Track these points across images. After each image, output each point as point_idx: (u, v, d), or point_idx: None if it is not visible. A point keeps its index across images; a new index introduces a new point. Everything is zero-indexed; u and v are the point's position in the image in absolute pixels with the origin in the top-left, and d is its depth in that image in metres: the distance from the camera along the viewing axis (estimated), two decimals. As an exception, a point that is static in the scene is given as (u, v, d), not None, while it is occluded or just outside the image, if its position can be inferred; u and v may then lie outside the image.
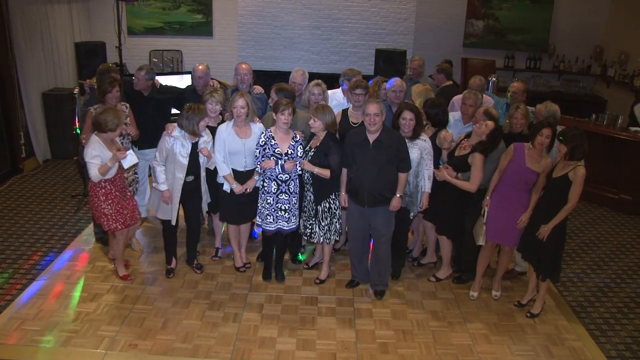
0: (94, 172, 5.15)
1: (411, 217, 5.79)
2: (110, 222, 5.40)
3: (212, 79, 6.59)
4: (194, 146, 5.40)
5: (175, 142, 5.34)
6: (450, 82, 7.49)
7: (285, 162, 5.32)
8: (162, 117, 6.23)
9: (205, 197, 5.72)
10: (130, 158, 5.32)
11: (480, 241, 5.47)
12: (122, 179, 5.53)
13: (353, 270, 5.84)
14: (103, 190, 5.34)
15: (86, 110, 5.85)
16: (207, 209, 5.87)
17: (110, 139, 5.28)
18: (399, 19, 11.18)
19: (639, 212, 8.13)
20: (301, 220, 5.67)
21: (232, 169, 5.53)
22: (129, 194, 5.61)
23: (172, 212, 5.54)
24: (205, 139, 5.46)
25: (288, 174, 5.38)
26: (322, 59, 11.28)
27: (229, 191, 5.59)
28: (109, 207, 5.37)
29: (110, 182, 5.36)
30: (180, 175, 5.40)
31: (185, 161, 5.37)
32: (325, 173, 5.33)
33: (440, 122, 5.73)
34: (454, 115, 6.12)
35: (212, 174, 5.67)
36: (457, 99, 6.52)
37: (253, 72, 6.37)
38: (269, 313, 5.33)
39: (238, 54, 11.13)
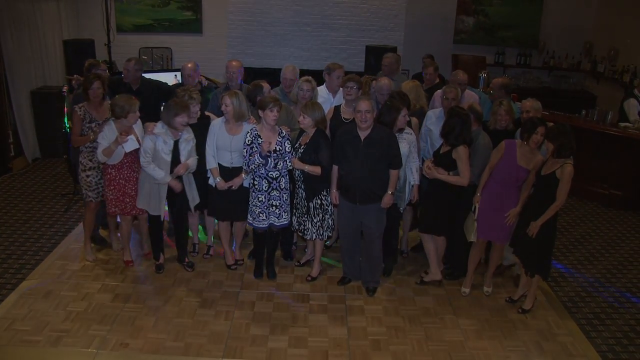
0: (98, 152, 5.43)
1: (401, 211, 5.80)
2: (110, 206, 5.70)
3: (201, 75, 6.56)
4: (176, 144, 5.41)
5: (158, 140, 5.36)
6: (438, 81, 7.48)
7: (261, 149, 5.29)
8: (151, 112, 6.19)
9: (191, 197, 5.69)
10: (132, 143, 5.46)
11: (472, 238, 5.48)
12: (132, 169, 5.60)
13: (344, 267, 5.84)
14: (108, 176, 5.61)
15: (72, 110, 5.81)
16: (193, 209, 5.82)
17: (126, 125, 5.43)
18: (389, 15, 11.18)
19: (629, 207, 8.17)
20: (294, 218, 5.66)
21: (220, 164, 5.54)
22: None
23: (160, 207, 5.57)
24: (185, 137, 5.46)
25: (267, 156, 5.30)
26: (312, 55, 11.26)
27: (213, 185, 5.59)
28: (111, 192, 5.64)
29: (116, 169, 5.56)
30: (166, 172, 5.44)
31: (168, 158, 5.39)
32: (316, 170, 5.32)
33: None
34: (435, 112, 6.09)
35: (203, 172, 5.65)
36: (437, 94, 6.50)
37: (244, 69, 6.36)
38: (261, 311, 5.32)
39: (228, 51, 11.10)
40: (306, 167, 5.35)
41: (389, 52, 7.64)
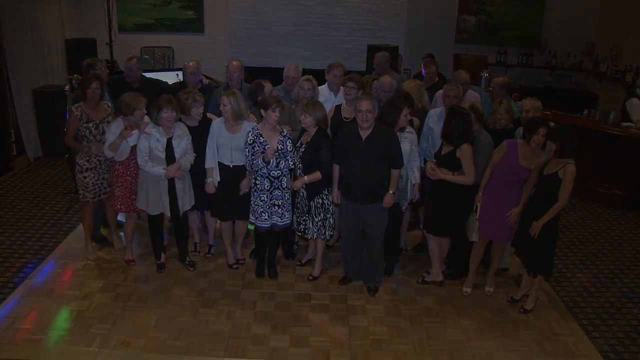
0: (105, 148, 5.49)
1: (403, 210, 5.80)
2: (116, 203, 5.73)
3: (202, 75, 6.57)
4: (169, 141, 5.41)
5: (151, 138, 5.36)
6: (438, 79, 7.47)
7: (264, 152, 5.30)
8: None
9: (182, 195, 5.64)
10: (135, 138, 5.46)
11: (473, 237, 5.46)
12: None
13: (346, 267, 5.84)
14: (115, 172, 5.66)
15: (69, 110, 5.79)
16: (188, 208, 5.78)
17: (132, 122, 5.44)
18: (391, 14, 11.19)
19: (631, 207, 8.16)
20: (294, 217, 5.66)
21: (221, 163, 5.56)
22: None
23: (164, 205, 5.57)
24: (178, 133, 5.46)
25: (268, 163, 5.32)
26: (313, 55, 11.27)
27: (215, 184, 5.59)
28: (118, 189, 5.68)
29: (123, 166, 5.61)
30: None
31: (162, 155, 5.39)
32: (316, 176, 5.36)
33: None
34: (436, 111, 6.07)
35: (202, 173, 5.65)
36: (439, 95, 6.49)
37: (245, 68, 6.37)
38: (262, 310, 5.32)
39: (229, 51, 11.10)
40: (306, 179, 5.39)
41: (379, 52, 7.61)
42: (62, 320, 5.04)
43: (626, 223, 7.78)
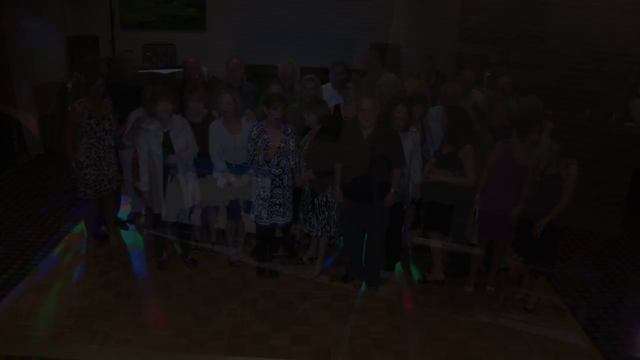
0: (123, 136, 5.65)
1: (405, 209, 5.81)
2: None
3: (202, 68, 6.59)
4: (166, 136, 5.38)
5: (148, 133, 5.35)
6: (434, 78, 7.45)
7: (266, 149, 5.31)
8: None
9: (186, 191, 5.60)
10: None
11: (473, 240, 5.46)
12: None
13: (347, 266, 5.84)
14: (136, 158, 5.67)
15: (72, 106, 5.74)
16: (192, 205, 5.74)
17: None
18: (393, 13, 11.15)
19: (633, 207, 8.13)
20: (300, 215, 5.67)
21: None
22: None
23: (161, 203, 5.56)
24: (177, 127, 5.42)
25: (268, 162, 5.34)
26: (316, 53, 11.23)
27: (222, 187, 5.57)
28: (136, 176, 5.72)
29: None
30: (159, 166, 5.42)
31: (159, 150, 5.37)
32: (309, 175, 5.42)
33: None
34: (436, 109, 6.06)
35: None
36: None
37: (246, 66, 6.37)
38: (263, 308, 5.32)
39: (232, 48, 11.07)
40: (302, 178, 5.46)
41: (367, 51, 7.58)
42: (63, 317, 5.04)
43: (627, 223, 7.75)
